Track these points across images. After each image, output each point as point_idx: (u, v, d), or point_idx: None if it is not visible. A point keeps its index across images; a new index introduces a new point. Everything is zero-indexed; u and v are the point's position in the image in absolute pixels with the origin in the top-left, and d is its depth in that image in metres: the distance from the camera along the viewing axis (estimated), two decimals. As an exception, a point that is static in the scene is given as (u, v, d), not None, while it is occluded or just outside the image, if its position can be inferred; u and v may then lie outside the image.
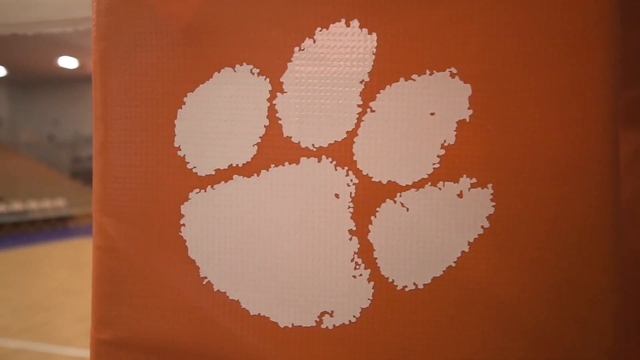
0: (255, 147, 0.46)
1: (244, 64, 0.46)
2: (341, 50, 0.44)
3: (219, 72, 0.46)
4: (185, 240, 0.48)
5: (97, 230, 0.50)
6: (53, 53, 13.89)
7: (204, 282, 0.47)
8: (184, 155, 0.48)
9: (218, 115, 0.47)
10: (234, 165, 0.46)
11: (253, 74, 0.46)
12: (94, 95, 0.51)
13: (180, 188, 0.48)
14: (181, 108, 0.47)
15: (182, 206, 0.48)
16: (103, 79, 0.50)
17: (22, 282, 5.78)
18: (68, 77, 17.00)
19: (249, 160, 0.46)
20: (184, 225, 0.48)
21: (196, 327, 0.47)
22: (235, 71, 0.46)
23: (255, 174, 0.46)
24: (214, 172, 0.47)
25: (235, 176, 0.47)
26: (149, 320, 0.48)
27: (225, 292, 0.47)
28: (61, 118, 18.07)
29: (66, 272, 6.26)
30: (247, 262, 0.47)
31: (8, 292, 5.24)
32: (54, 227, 11.45)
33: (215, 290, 0.47)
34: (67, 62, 14.87)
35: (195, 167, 0.47)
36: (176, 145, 0.48)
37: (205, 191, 0.47)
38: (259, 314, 0.47)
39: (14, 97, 18.42)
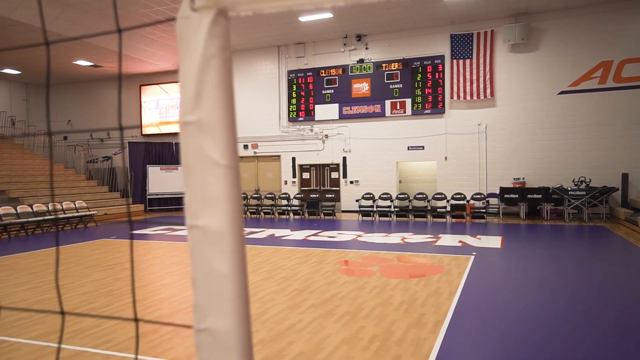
0: None
1: None
2: None
3: None
4: None
5: None
6: (68, 53, 13.86)
7: None
8: None
9: None
10: None
11: None
12: None
13: None
14: None
15: None
16: None
17: (60, 283, 5.69)
18: (83, 77, 16.96)
19: None
20: None
21: None
22: None
23: None
24: None
25: None
26: None
27: None
28: (76, 119, 18.05)
29: (101, 273, 6.21)
30: None
31: (51, 293, 5.19)
32: (74, 228, 11.40)
33: None
34: (83, 63, 14.82)
35: None
36: None
37: None
38: None
39: (28, 97, 18.39)
